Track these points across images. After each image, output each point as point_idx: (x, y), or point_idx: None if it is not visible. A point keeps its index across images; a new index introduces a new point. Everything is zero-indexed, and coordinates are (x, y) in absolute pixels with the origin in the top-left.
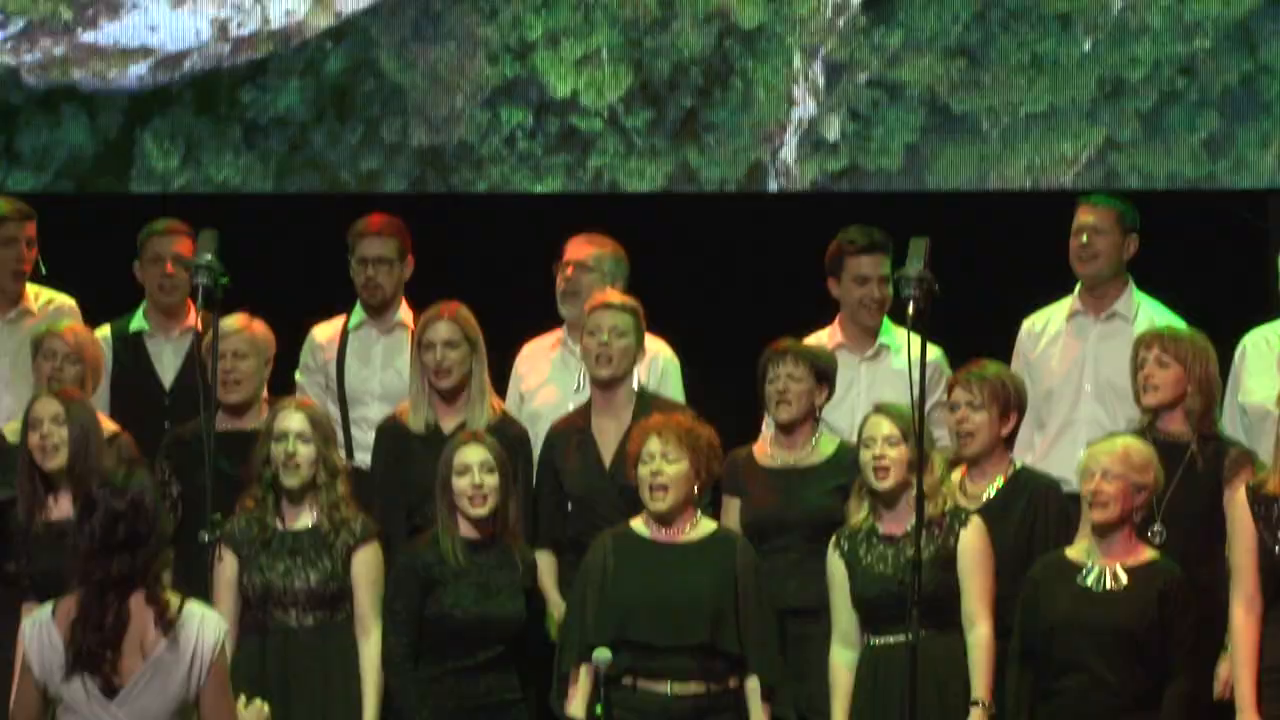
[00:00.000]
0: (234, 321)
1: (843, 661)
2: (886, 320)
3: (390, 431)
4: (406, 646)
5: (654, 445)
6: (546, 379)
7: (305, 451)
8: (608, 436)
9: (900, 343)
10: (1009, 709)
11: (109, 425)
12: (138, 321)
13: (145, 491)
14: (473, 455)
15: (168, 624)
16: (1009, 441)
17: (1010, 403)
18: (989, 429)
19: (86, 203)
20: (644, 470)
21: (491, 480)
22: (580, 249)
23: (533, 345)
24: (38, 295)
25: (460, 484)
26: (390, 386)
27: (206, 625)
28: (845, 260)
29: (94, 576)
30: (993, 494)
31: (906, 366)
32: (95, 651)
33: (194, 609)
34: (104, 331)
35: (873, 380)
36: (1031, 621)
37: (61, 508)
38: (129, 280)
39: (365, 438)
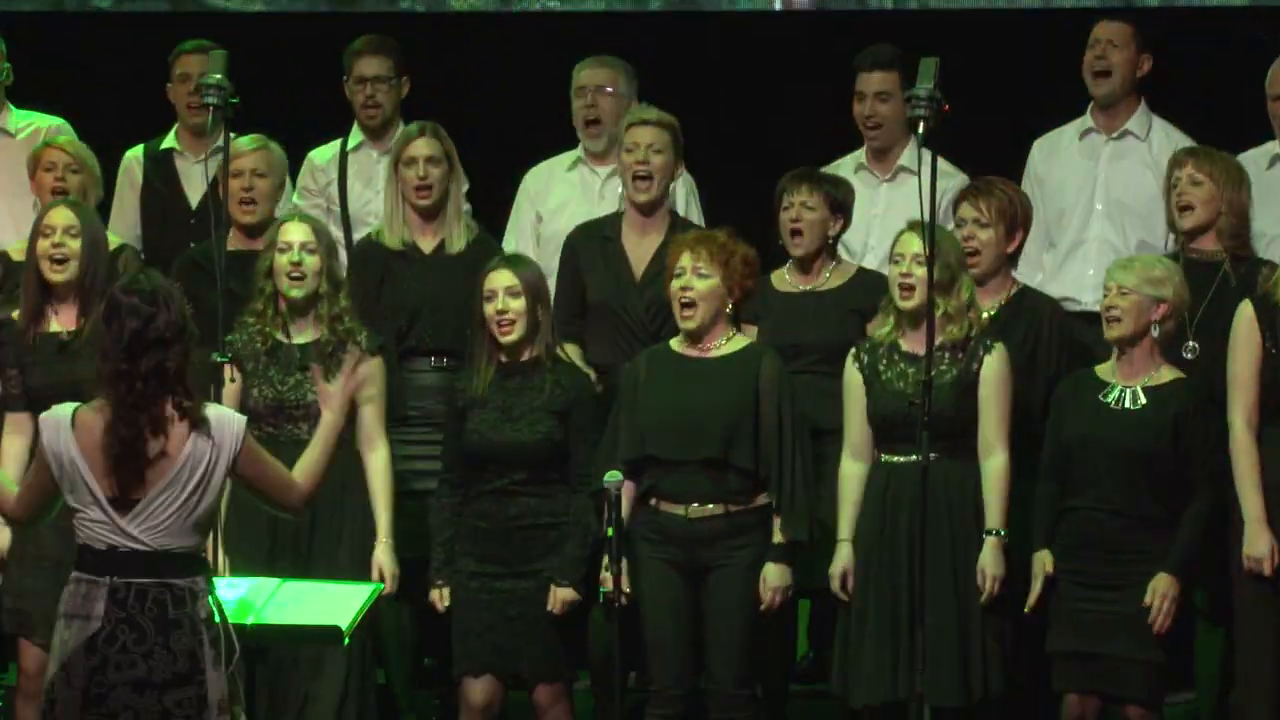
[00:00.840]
0: (254, 141)
1: (852, 474)
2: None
3: (369, 252)
4: (445, 475)
5: (686, 261)
6: (567, 198)
7: (311, 262)
8: (639, 251)
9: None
10: (1034, 521)
11: (113, 239)
12: (169, 140)
13: (171, 290)
14: (498, 280)
15: (195, 424)
16: (1013, 259)
17: (1017, 220)
18: (994, 247)
19: (122, 22)
20: (675, 285)
21: (517, 305)
22: (593, 75)
23: (545, 166)
24: (22, 120)
25: (488, 310)
26: None
27: (225, 421)
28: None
29: (124, 383)
30: (993, 312)
31: (927, 188)
32: (123, 460)
33: (211, 409)
34: (136, 151)
35: (891, 201)
36: (1056, 435)
37: (62, 320)
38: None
39: None
